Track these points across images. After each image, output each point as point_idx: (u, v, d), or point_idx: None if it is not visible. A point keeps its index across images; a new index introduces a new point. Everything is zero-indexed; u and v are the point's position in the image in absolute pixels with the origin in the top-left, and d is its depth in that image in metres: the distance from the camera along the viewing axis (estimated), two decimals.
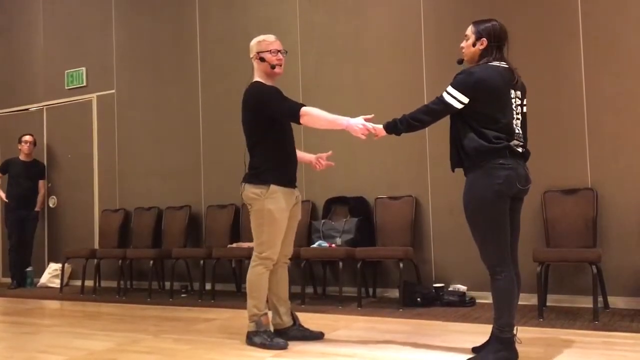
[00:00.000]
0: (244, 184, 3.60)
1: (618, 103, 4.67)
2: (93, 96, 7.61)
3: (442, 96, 3.05)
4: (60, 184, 7.85)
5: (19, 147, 7.68)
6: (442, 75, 5.36)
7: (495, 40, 3.09)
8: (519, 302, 4.82)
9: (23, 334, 4.32)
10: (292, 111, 3.43)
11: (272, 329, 3.62)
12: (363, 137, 3.34)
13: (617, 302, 4.54)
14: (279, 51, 3.60)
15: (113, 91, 7.45)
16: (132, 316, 4.98)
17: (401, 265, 4.87)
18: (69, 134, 7.80)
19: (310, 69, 6.07)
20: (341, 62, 5.91)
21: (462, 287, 5.03)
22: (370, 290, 5.56)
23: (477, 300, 4.97)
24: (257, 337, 3.51)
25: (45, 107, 8.04)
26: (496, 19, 3.17)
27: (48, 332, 4.39)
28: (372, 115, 3.38)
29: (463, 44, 3.20)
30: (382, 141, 3.37)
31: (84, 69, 7.69)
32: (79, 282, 6.85)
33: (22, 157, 7.71)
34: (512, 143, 2.98)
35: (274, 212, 3.49)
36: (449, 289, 5.04)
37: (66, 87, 7.83)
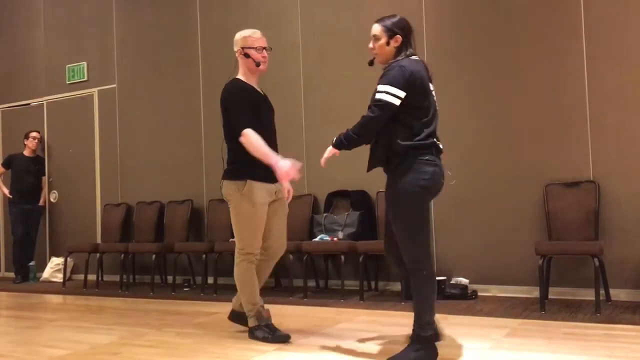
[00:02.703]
0: (222, 180, 3.59)
1: (620, 95, 4.66)
2: (94, 91, 7.61)
3: (379, 100, 2.86)
4: (62, 179, 7.86)
5: (25, 143, 7.72)
6: (443, 67, 5.36)
7: (408, 34, 3.05)
8: (522, 295, 4.85)
9: (26, 328, 4.34)
10: (238, 127, 3.44)
11: (271, 320, 3.62)
12: (285, 181, 3.36)
13: (619, 294, 4.54)
14: (264, 48, 3.60)
15: (114, 85, 7.44)
16: (135, 310, 5.00)
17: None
18: (70, 129, 7.81)
19: (312, 62, 6.05)
20: (343, 55, 5.89)
21: (464, 280, 5.03)
22: (372, 284, 5.57)
23: (479, 294, 4.98)
24: (259, 331, 3.53)
25: (46, 101, 8.04)
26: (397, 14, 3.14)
27: (51, 326, 4.40)
28: (301, 164, 3.36)
29: (372, 45, 3.10)
30: None
31: (84, 63, 7.69)
32: (81, 277, 6.87)
33: (26, 153, 7.75)
34: (435, 139, 2.97)
35: (252, 207, 3.47)
36: (451, 282, 5.04)
37: (67, 82, 7.83)
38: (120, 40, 7.42)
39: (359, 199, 5.64)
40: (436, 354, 2.91)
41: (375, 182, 5.62)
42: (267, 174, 3.52)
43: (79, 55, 7.74)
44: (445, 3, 5.39)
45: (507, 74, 5.07)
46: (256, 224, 3.51)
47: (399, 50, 3.03)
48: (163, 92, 7.05)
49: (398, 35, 3.02)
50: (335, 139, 3.05)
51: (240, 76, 3.63)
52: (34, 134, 7.74)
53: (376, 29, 3.08)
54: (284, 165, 3.27)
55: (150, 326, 4.20)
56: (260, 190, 3.50)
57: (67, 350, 3.51)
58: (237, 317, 3.79)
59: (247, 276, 3.56)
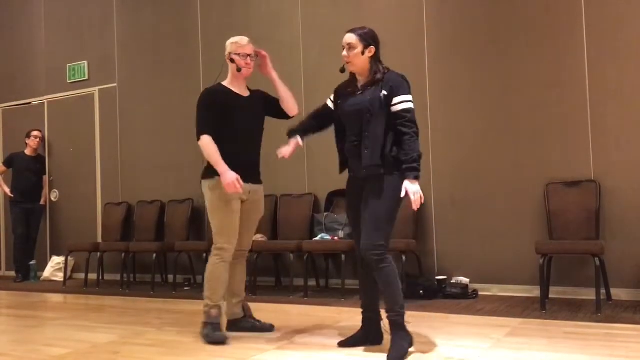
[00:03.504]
0: (201, 180, 3.72)
1: (621, 94, 4.65)
2: (95, 90, 7.61)
3: (411, 110, 3.03)
4: (63, 178, 7.86)
5: (27, 142, 7.73)
6: (444, 65, 5.36)
7: (378, 46, 3.15)
8: (522, 295, 4.85)
9: (27, 327, 4.34)
10: (197, 131, 3.62)
11: (219, 321, 3.62)
12: (229, 190, 3.45)
13: (620, 294, 4.54)
14: (248, 55, 3.72)
15: (115, 84, 7.44)
16: (135, 309, 5.00)
17: (403, 257, 4.87)
18: (71, 128, 7.81)
19: (312, 61, 6.04)
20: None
21: (465, 280, 5.03)
22: None
23: (480, 293, 4.98)
24: (204, 329, 3.59)
25: (47, 100, 8.04)
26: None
27: (52, 325, 4.41)
28: (240, 182, 3.48)
29: (347, 54, 3.16)
30: None
31: (85, 62, 7.69)
32: (82, 276, 6.87)
33: (28, 152, 7.75)
34: None
35: (221, 202, 3.59)
36: (452, 282, 5.04)
37: (68, 81, 7.83)
38: (120, 40, 7.42)
39: None
40: (411, 337, 3.08)
41: None
42: (235, 172, 3.61)
43: (80, 54, 7.74)
44: (445, 2, 5.39)
45: (507, 73, 5.07)
46: (228, 217, 3.60)
47: (373, 60, 3.13)
48: (164, 91, 7.04)
49: (372, 46, 3.12)
50: (410, 175, 2.96)
51: (226, 80, 3.81)
52: (35, 132, 7.74)
53: (352, 38, 3.16)
54: (229, 177, 3.46)
55: (150, 325, 4.20)
56: None
57: (67, 349, 3.51)
58: (233, 324, 3.81)
59: (214, 271, 3.61)
